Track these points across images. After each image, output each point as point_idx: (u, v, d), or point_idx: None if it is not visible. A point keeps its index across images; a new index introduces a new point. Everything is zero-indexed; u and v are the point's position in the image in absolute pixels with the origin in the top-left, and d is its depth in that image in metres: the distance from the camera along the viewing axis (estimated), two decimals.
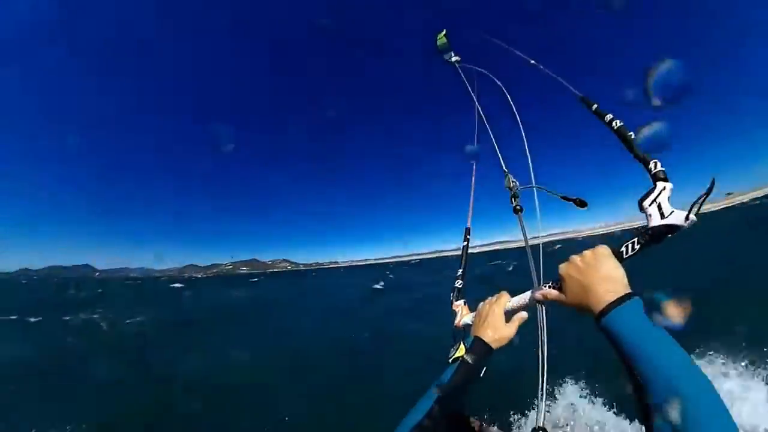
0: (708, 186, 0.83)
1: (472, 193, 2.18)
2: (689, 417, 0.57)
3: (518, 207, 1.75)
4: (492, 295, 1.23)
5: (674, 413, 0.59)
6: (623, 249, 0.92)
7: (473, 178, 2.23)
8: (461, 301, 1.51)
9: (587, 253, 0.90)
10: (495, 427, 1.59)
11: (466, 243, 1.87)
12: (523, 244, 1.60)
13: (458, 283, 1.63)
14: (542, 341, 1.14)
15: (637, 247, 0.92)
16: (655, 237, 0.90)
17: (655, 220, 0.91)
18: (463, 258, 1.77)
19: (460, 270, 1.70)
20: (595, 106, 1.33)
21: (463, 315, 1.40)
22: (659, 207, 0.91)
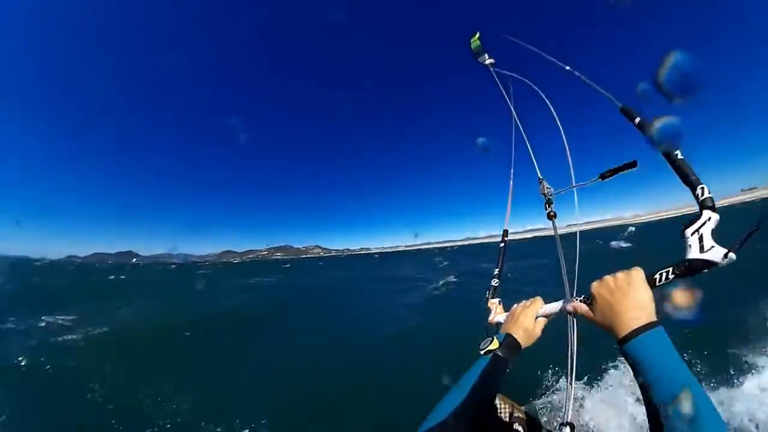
0: (752, 227, 0.83)
1: (510, 197, 2.28)
2: None
3: (552, 213, 1.86)
4: (527, 299, 1.33)
5: None
6: (657, 276, 0.92)
7: (511, 182, 2.34)
8: (497, 300, 1.59)
9: (620, 275, 0.93)
10: (524, 409, 1.74)
11: (503, 245, 1.94)
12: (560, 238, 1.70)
13: (494, 282, 1.72)
14: (572, 348, 1.22)
15: (671, 276, 0.91)
16: (690, 269, 0.88)
17: (694, 253, 0.89)
18: (500, 258, 1.86)
19: (497, 270, 1.79)
20: (638, 119, 1.24)
21: (497, 313, 1.50)
22: (701, 239, 0.89)
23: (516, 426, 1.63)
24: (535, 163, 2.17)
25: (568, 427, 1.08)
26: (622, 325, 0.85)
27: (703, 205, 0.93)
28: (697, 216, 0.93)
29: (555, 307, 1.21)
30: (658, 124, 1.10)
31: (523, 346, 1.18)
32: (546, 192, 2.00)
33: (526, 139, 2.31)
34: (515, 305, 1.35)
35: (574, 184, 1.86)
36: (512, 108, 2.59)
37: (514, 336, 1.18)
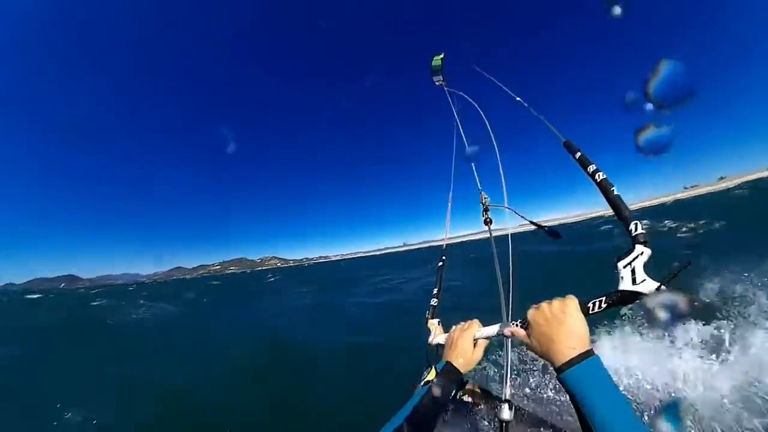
0: (683, 263, 0.88)
1: (448, 216, 2.34)
2: None
3: (488, 219, 2.00)
4: (464, 321, 1.32)
5: None
6: (590, 305, 0.97)
7: (449, 203, 2.42)
8: (436, 320, 1.56)
9: (556, 303, 0.95)
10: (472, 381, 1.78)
11: (442, 263, 1.94)
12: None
13: (434, 302, 1.69)
14: (507, 367, 1.29)
15: (603, 305, 0.96)
16: (622, 300, 0.95)
17: (626, 285, 0.94)
18: (439, 278, 1.84)
19: (435, 289, 1.76)
20: (579, 154, 1.32)
21: (436, 334, 1.47)
22: (633, 271, 0.94)
23: (464, 397, 1.70)
24: (476, 174, 2.33)
25: (506, 403, 1.17)
26: (558, 354, 0.87)
27: (636, 240, 0.99)
28: (630, 250, 0.98)
29: (492, 330, 1.22)
30: (591, 167, 1.23)
31: (463, 372, 1.17)
32: (484, 201, 2.17)
33: (467, 147, 2.50)
34: (453, 328, 1.32)
35: (507, 206, 1.97)
36: (458, 122, 2.77)
37: (453, 364, 1.17)
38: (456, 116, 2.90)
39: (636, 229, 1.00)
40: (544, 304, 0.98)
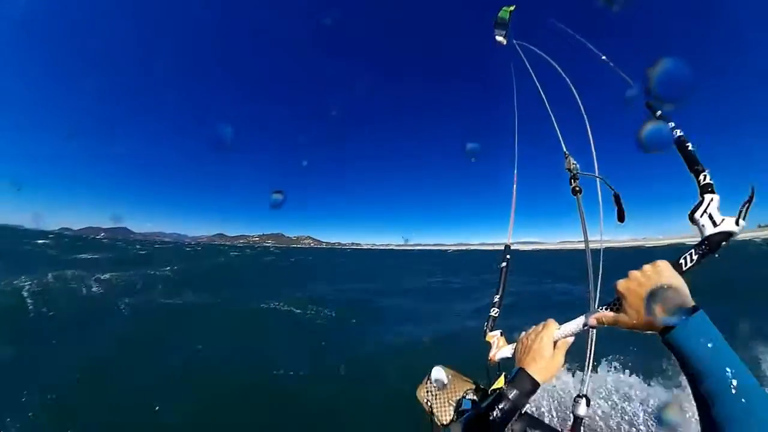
0: (750, 194, 0.87)
1: (513, 209, 2.06)
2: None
3: (577, 188, 1.66)
4: (536, 324, 1.10)
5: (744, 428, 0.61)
6: (681, 261, 0.91)
7: (514, 193, 2.11)
8: (497, 332, 1.34)
9: (646, 267, 0.86)
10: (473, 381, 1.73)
11: (505, 264, 1.72)
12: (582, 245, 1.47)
13: (494, 312, 1.47)
14: (588, 362, 1.14)
15: (695, 257, 0.90)
16: (712, 246, 0.90)
17: (709, 229, 0.93)
18: (502, 282, 1.61)
19: (497, 297, 1.53)
20: (659, 113, 1.30)
21: (499, 347, 1.25)
22: (710, 217, 0.94)
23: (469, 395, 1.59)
24: (560, 136, 1.97)
25: (584, 398, 1.09)
26: (662, 315, 0.78)
27: (704, 189, 1.01)
28: (700, 201, 0.99)
29: (574, 324, 1.01)
30: (671, 124, 1.22)
31: (541, 383, 0.97)
32: (571, 167, 1.81)
33: (549, 109, 2.11)
34: (523, 333, 1.11)
35: (598, 175, 1.64)
36: (537, 83, 2.39)
37: (528, 371, 0.98)
38: (532, 73, 2.50)
39: (705, 179, 1.03)
40: (634, 272, 0.87)
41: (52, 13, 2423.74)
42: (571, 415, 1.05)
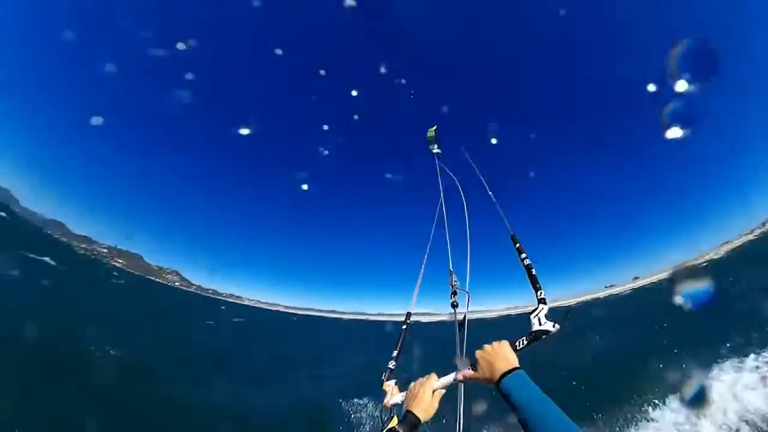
0: (567, 310, 1.50)
1: (419, 280, 2.42)
2: None
3: (455, 303, 2.12)
4: (422, 376, 1.45)
5: None
6: (517, 343, 1.43)
7: (423, 265, 2.51)
8: (392, 382, 1.62)
9: (494, 343, 1.37)
10: None
11: (405, 326, 2.04)
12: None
13: (391, 364, 1.75)
14: (459, 414, 1.46)
15: (525, 342, 1.45)
16: (536, 337, 1.45)
17: (535, 326, 1.48)
18: (400, 341, 1.91)
19: (395, 351, 1.82)
20: (518, 245, 1.98)
21: (393, 395, 1.54)
22: (539, 319, 1.49)
23: None
24: (450, 254, 2.40)
25: None
26: (497, 372, 1.24)
27: (540, 300, 1.58)
28: (536, 308, 1.54)
29: (449, 378, 1.42)
30: (524, 255, 1.86)
31: (422, 421, 1.29)
32: (453, 284, 2.19)
33: (446, 229, 2.59)
34: (412, 384, 1.45)
35: (468, 291, 2.22)
36: (442, 196, 2.95)
37: (414, 412, 1.30)
38: (441, 190, 3.07)
39: (540, 295, 1.61)
40: (486, 345, 1.37)
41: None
42: None
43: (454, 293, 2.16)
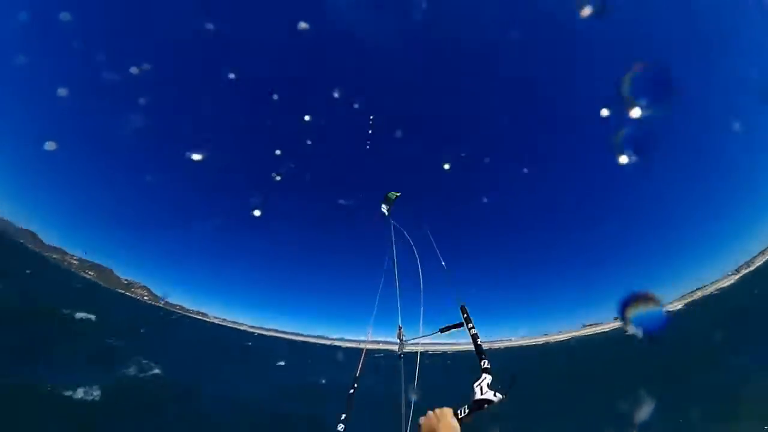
0: (511, 379, 1.65)
1: (368, 338, 2.69)
2: None
3: (401, 355, 2.32)
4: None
5: None
6: (458, 411, 1.54)
7: (369, 335, 2.79)
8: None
9: (437, 410, 1.49)
10: None
11: (353, 391, 2.15)
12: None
13: (340, 428, 1.90)
14: None
15: (467, 410, 1.56)
16: (478, 405, 1.58)
17: (478, 396, 1.61)
18: (349, 405, 2.02)
19: (344, 415, 1.93)
20: (466, 315, 2.16)
21: None
22: (481, 389, 1.62)
23: None
24: (399, 312, 2.65)
25: None
26: None
27: (484, 370, 1.72)
28: (480, 376, 1.66)
29: None
30: (470, 324, 2.05)
31: None
32: (401, 337, 2.43)
33: (397, 285, 2.89)
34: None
35: (421, 335, 2.40)
36: (394, 260, 3.24)
37: None
38: (393, 251, 3.39)
39: (484, 364, 1.74)
40: (430, 412, 1.46)
41: None
42: None
43: (402, 346, 2.32)
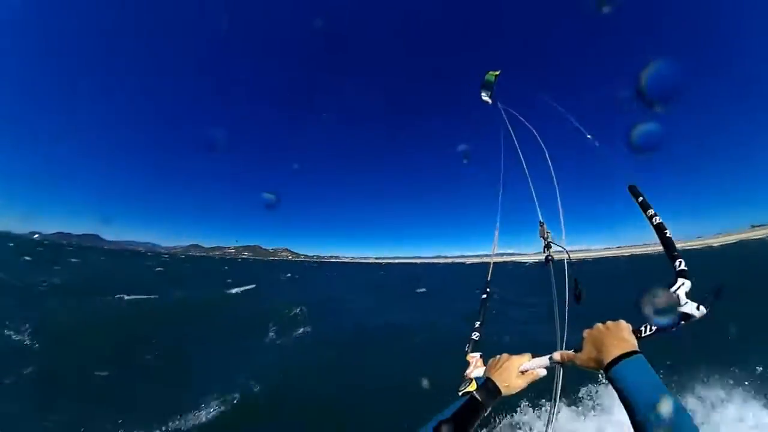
0: (716, 289, 1.07)
1: (494, 247, 2.30)
2: None
3: (550, 257, 1.92)
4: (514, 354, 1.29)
5: None
6: (642, 328, 1.08)
7: (496, 234, 2.40)
8: (477, 354, 1.50)
9: (610, 322, 1.05)
10: None
11: (486, 295, 1.93)
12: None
13: (475, 335, 1.64)
14: (554, 408, 1.21)
15: (653, 329, 1.08)
16: (672, 323, 1.08)
17: None
18: (482, 311, 1.80)
19: (478, 322, 1.72)
20: (641, 198, 1.51)
21: (476, 367, 1.42)
22: (677, 298, 1.13)
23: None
24: (537, 206, 2.22)
25: None
26: (608, 354, 0.96)
27: (679, 274, 1.22)
28: (674, 282, 1.19)
29: (543, 360, 1.21)
30: (650, 212, 1.44)
31: (503, 393, 1.15)
32: (546, 236, 2.05)
33: (529, 180, 2.38)
34: (498, 355, 1.30)
35: (568, 251, 1.94)
36: (518, 148, 2.67)
37: (495, 381, 1.16)
38: (512, 133, 2.79)
39: (680, 266, 1.22)
40: (598, 324, 1.07)
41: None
42: None
43: (548, 246, 1.96)
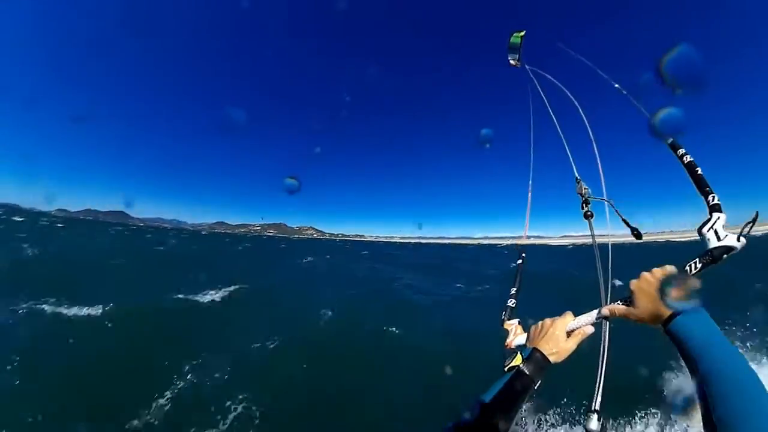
0: (754, 216, 1.04)
1: (528, 211, 2.24)
2: (749, 411, 0.67)
3: (589, 213, 1.83)
4: (551, 316, 1.22)
5: (735, 407, 0.68)
6: (687, 268, 1.06)
7: (530, 195, 2.32)
8: (515, 321, 1.45)
9: (657, 269, 1.00)
10: None
11: (521, 261, 1.87)
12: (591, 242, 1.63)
13: (511, 302, 1.58)
14: (603, 356, 1.10)
15: (699, 266, 1.06)
16: (714, 257, 1.06)
17: (713, 243, 1.09)
18: (518, 276, 1.75)
19: (514, 288, 1.65)
20: (671, 139, 1.46)
21: (516, 335, 1.35)
22: (716, 232, 1.11)
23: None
24: (572, 162, 2.13)
25: (595, 414, 1.01)
26: (666, 308, 0.91)
27: (713, 208, 1.19)
28: (708, 219, 1.17)
29: (589, 316, 1.14)
30: (681, 151, 1.39)
31: (552, 361, 1.07)
32: (583, 192, 1.97)
33: (562, 135, 2.27)
34: (540, 321, 1.22)
35: (607, 199, 1.82)
36: (548, 105, 2.55)
37: (542, 351, 1.07)
38: (544, 97, 2.65)
39: (713, 200, 1.20)
40: (645, 273, 1.01)
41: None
42: (584, 429, 1.03)
43: (586, 202, 1.83)
